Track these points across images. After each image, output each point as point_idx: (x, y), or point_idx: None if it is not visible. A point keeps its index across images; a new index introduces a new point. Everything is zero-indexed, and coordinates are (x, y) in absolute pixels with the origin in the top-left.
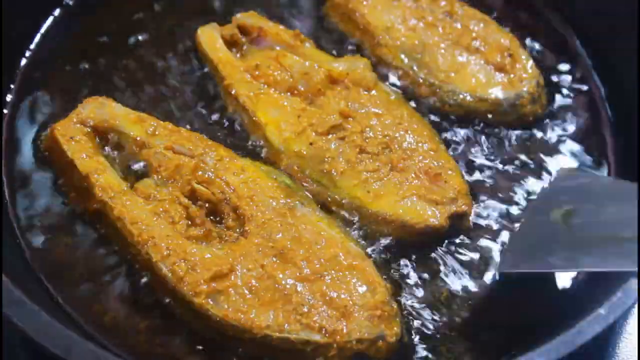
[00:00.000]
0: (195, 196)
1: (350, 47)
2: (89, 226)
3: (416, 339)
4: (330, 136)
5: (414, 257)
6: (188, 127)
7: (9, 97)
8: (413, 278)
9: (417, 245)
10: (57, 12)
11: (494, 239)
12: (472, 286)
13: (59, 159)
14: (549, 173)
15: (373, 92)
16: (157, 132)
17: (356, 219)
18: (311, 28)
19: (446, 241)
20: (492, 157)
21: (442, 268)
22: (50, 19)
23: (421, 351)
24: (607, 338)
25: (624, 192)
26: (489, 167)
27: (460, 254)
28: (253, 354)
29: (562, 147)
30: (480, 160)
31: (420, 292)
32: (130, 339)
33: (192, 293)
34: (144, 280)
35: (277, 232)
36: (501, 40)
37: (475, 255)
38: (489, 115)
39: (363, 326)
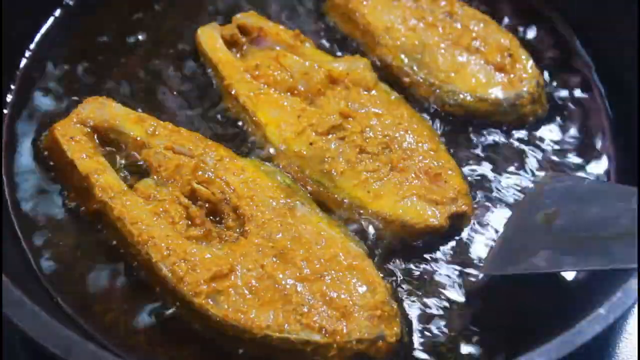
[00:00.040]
0: (195, 196)
1: (350, 47)
2: (89, 226)
3: (416, 339)
4: (330, 136)
5: (414, 257)
6: (188, 127)
7: (9, 97)
8: (413, 278)
9: (417, 245)
10: (57, 12)
11: (494, 239)
12: (472, 286)
13: (59, 159)
14: (549, 173)
15: (373, 92)
16: (157, 132)
17: (356, 219)
18: (311, 28)
19: (446, 241)
20: (492, 157)
21: (442, 268)
22: (50, 19)
23: (421, 351)
24: (607, 338)
25: (604, 193)
26: (489, 167)
27: (460, 254)
28: (253, 354)
29: (562, 147)
30: (480, 160)
31: (420, 292)
32: (130, 339)
33: (192, 293)
34: (144, 280)
35: (277, 232)
36: (501, 40)
37: (476, 256)
38: (489, 115)
39: (363, 326)
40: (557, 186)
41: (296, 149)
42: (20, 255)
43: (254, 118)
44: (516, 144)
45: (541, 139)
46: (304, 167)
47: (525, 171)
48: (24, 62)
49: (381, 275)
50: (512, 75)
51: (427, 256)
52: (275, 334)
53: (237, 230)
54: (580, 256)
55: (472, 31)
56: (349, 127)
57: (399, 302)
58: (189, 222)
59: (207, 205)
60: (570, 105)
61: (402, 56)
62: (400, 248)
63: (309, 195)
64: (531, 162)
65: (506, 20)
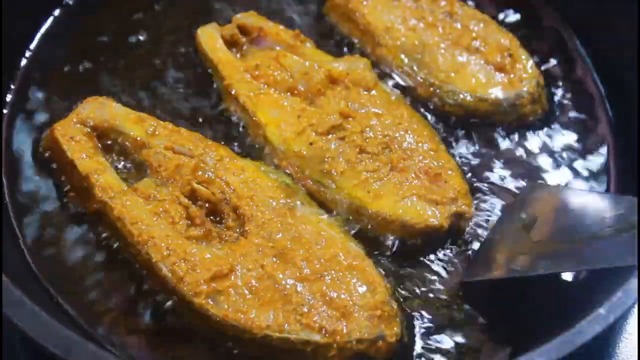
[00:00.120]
0: (195, 196)
1: (350, 47)
2: (89, 226)
3: (416, 339)
4: (330, 136)
5: (414, 257)
6: (188, 127)
7: (9, 97)
8: (413, 278)
9: (417, 245)
10: (57, 12)
11: None
12: (472, 286)
13: (59, 159)
14: (550, 173)
15: (373, 92)
16: (157, 132)
17: (356, 219)
18: (311, 28)
19: (446, 241)
20: (492, 157)
21: (442, 268)
22: (50, 19)
23: (421, 351)
24: (607, 338)
25: (580, 201)
26: (489, 167)
27: (460, 254)
28: (253, 354)
29: (562, 147)
30: (480, 160)
31: (420, 292)
32: (130, 339)
33: (192, 293)
34: (144, 280)
35: (277, 232)
36: (501, 40)
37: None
38: (489, 115)
39: (363, 326)
40: (537, 196)
41: (296, 149)
42: (20, 255)
43: (254, 118)
44: (516, 144)
45: (541, 139)
46: (304, 167)
47: (525, 171)
48: (24, 62)
49: (381, 275)
50: (512, 75)
51: (427, 256)
52: (275, 334)
53: (237, 230)
54: (554, 259)
55: (472, 31)
56: (349, 127)
57: (399, 302)
58: (189, 222)
59: (207, 205)
60: (570, 105)
61: (402, 56)
62: (401, 248)
63: (309, 195)
64: (531, 162)
65: (506, 20)
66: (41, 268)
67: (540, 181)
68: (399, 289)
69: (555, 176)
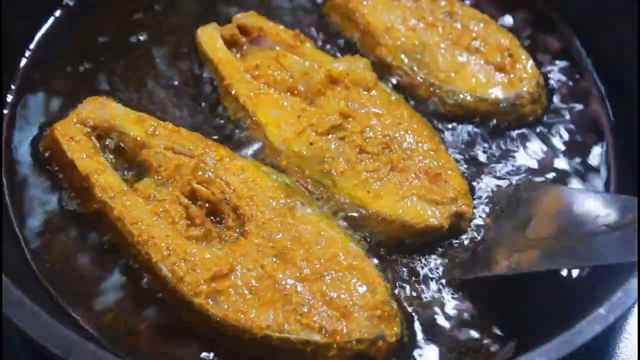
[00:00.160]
0: (195, 196)
1: (350, 47)
2: (89, 226)
3: (416, 339)
4: (330, 136)
5: (413, 257)
6: (188, 127)
7: (9, 97)
8: (413, 278)
9: (417, 245)
10: (57, 12)
11: None
12: (472, 286)
13: (59, 159)
14: (550, 173)
15: (373, 92)
16: (157, 132)
17: (356, 219)
18: (311, 28)
19: (446, 241)
20: (492, 157)
21: (442, 268)
22: (50, 19)
23: (421, 351)
24: (607, 338)
25: (576, 200)
26: (489, 167)
27: (460, 254)
28: (253, 354)
29: (562, 147)
30: (480, 160)
31: (420, 292)
32: (130, 339)
33: (192, 293)
34: (144, 280)
35: (277, 232)
36: (501, 40)
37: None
38: (489, 115)
39: (363, 326)
40: (533, 194)
41: (296, 149)
42: (20, 255)
43: (254, 118)
44: (516, 144)
45: (541, 139)
46: (304, 167)
47: (526, 171)
48: (24, 62)
49: (381, 275)
50: (512, 75)
51: (427, 256)
52: (275, 334)
53: (237, 230)
54: (550, 257)
55: (472, 31)
56: (349, 127)
57: (399, 302)
58: (189, 222)
59: (207, 205)
60: (570, 105)
61: (402, 56)
62: (400, 248)
63: (308, 195)
64: (531, 163)
65: (506, 20)
66: (41, 268)
67: (538, 179)
68: (399, 289)
69: (555, 176)
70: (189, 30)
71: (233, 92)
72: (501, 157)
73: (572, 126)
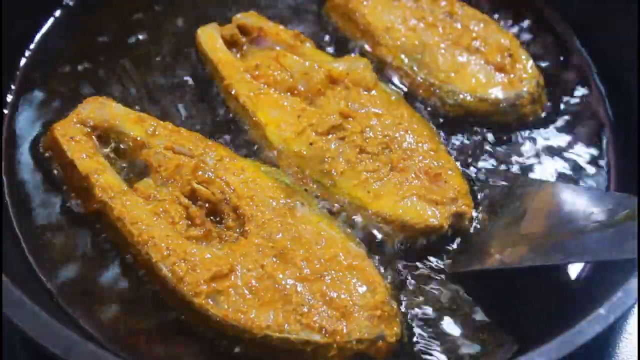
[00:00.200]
0: (195, 196)
1: (350, 47)
2: (89, 226)
3: (416, 339)
4: (330, 136)
5: (413, 257)
6: (188, 127)
7: (9, 97)
8: (413, 278)
9: (417, 245)
10: (57, 12)
11: None
12: (472, 286)
13: (58, 159)
14: (550, 173)
15: (373, 92)
16: (157, 132)
17: (356, 219)
18: (311, 28)
19: (446, 241)
20: (492, 157)
21: (442, 268)
22: (50, 19)
23: (421, 352)
24: (607, 338)
25: (570, 197)
26: (489, 168)
27: (465, 258)
28: (253, 354)
29: (562, 147)
30: (480, 160)
31: (420, 292)
32: (130, 339)
33: (192, 293)
34: (144, 280)
35: (277, 232)
36: (501, 40)
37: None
38: (489, 115)
39: (363, 326)
40: (527, 189)
41: (296, 149)
42: (20, 255)
43: (254, 118)
44: (516, 144)
45: (541, 139)
46: (304, 167)
47: (526, 171)
48: (23, 62)
49: (381, 275)
50: (512, 76)
51: (426, 256)
52: (275, 334)
53: (237, 230)
54: (540, 253)
55: (472, 31)
56: (349, 127)
57: (399, 302)
58: (189, 222)
59: (207, 205)
60: (570, 105)
61: (402, 56)
62: (400, 248)
63: (309, 195)
64: (531, 163)
65: (506, 20)
66: (41, 268)
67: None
68: (399, 289)
69: (555, 176)
70: (189, 30)
71: (233, 92)
72: (501, 157)
73: (571, 126)
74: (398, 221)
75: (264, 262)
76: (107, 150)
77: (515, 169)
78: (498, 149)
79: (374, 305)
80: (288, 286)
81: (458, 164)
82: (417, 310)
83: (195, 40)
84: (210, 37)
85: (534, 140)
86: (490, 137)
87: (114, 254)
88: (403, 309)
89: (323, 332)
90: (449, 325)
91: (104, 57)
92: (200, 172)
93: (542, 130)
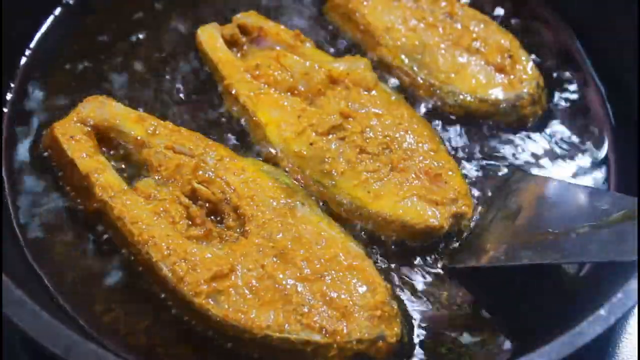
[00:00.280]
0: (195, 196)
1: (350, 47)
2: (89, 226)
3: (416, 339)
4: (330, 136)
5: (414, 257)
6: (188, 126)
7: (9, 96)
8: (413, 278)
9: (417, 245)
10: (57, 11)
11: None
12: (472, 287)
13: (59, 158)
14: (550, 173)
15: (373, 92)
16: (157, 132)
17: (356, 219)
18: (311, 28)
19: (446, 241)
20: (493, 158)
21: (442, 268)
22: (50, 19)
23: (421, 352)
24: (607, 338)
25: (566, 194)
26: (490, 168)
27: (460, 254)
28: (253, 354)
29: (562, 148)
30: (480, 160)
31: (420, 293)
32: (130, 339)
33: (193, 293)
34: (144, 280)
35: (277, 232)
36: (501, 41)
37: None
38: (489, 116)
39: (363, 326)
40: (522, 186)
41: (296, 149)
42: (20, 255)
43: (254, 118)
44: (516, 145)
45: (541, 140)
46: (304, 167)
47: (526, 172)
48: (24, 61)
49: (381, 275)
50: (512, 76)
51: (427, 256)
52: (276, 334)
53: (238, 230)
54: (537, 251)
55: (472, 32)
56: (349, 128)
57: (399, 302)
58: (190, 222)
59: (207, 205)
60: (570, 106)
61: (403, 56)
62: (401, 248)
63: (309, 195)
64: (531, 163)
65: (505, 20)
66: (41, 268)
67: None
68: (399, 289)
69: (555, 176)
70: (189, 30)
71: (233, 92)
72: (501, 157)
73: (572, 127)
74: (398, 221)
75: (265, 262)
76: (107, 149)
77: (514, 169)
78: (498, 149)
79: (374, 306)
80: (288, 286)
81: (458, 164)
82: (417, 310)
83: (196, 39)
84: (210, 36)
85: (534, 140)
86: (490, 137)
87: (114, 254)
88: (403, 309)
89: (323, 332)
90: (449, 326)
91: (104, 56)
92: (200, 172)
93: (542, 131)
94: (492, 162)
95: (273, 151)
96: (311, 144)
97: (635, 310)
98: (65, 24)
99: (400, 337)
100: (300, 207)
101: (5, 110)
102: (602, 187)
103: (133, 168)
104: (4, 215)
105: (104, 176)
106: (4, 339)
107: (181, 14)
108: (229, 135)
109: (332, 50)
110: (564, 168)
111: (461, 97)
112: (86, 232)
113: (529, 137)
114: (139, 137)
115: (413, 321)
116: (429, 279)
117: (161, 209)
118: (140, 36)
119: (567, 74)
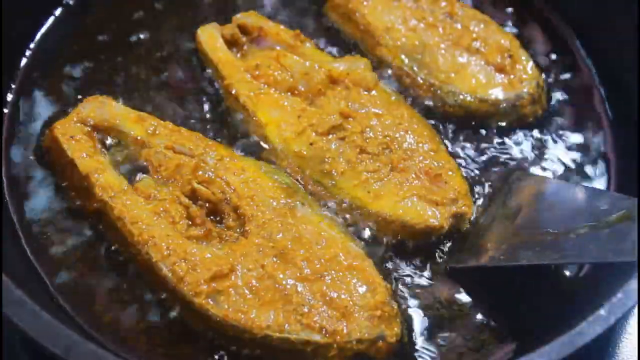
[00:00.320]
0: (195, 196)
1: (350, 47)
2: (89, 226)
3: (416, 339)
4: (330, 136)
5: (414, 257)
6: (188, 126)
7: (9, 97)
8: (413, 278)
9: (417, 245)
10: (57, 11)
11: None
12: (472, 287)
13: (59, 158)
14: (550, 173)
15: (373, 92)
16: (157, 132)
17: (356, 219)
18: (311, 28)
19: (446, 241)
20: (493, 158)
21: (442, 268)
22: (50, 19)
23: (421, 352)
24: (607, 338)
25: (565, 193)
26: (489, 168)
27: (461, 254)
28: (253, 354)
29: (562, 148)
30: (480, 160)
31: (420, 293)
32: (130, 339)
33: (193, 293)
34: (144, 280)
35: (277, 232)
36: (501, 41)
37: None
38: (489, 115)
39: (363, 326)
40: (522, 186)
41: (296, 149)
42: (20, 255)
43: (254, 118)
44: (516, 145)
45: (541, 140)
46: (304, 167)
47: (525, 172)
48: (24, 61)
49: (381, 275)
50: (512, 76)
51: (427, 257)
52: (276, 334)
53: (238, 230)
54: (536, 251)
55: (472, 32)
56: (349, 128)
57: (399, 302)
58: (190, 222)
59: (207, 205)
60: (570, 106)
61: (403, 56)
62: (401, 248)
63: (309, 195)
64: (531, 163)
65: (506, 20)
66: (41, 268)
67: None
68: (399, 289)
69: (555, 177)
70: (189, 30)
71: (233, 92)
72: (501, 157)
73: (572, 127)
74: (398, 221)
75: (265, 262)
76: (107, 149)
77: (515, 169)
78: (498, 149)
79: (374, 306)
80: (288, 286)
81: (458, 164)
82: (417, 310)
83: (196, 39)
84: (210, 36)
85: (534, 140)
86: (490, 137)
87: (114, 254)
88: (403, 309)
89: (323, 332)
90: (449, 326)
91: (105, 56)
92: (200, 172)
93: (542, 131)
94: (492, 162)
95: (273, 151)
96: (311, 144)
97: (635, 310)
98: (65, 24)
99: (400, 337)
100: (300, 207)
101: (5, 110)
102: (601, 188)
103: (133, 168)
104: (4, 215)
105: (104, 176)
106: (4, 339)
107: (181, 13)
108: (229, 135)
109: (332, 50)
110: (564, 168)
111: (461, 97)
112: (86, 232)
113: (529, 137)
114: (139, 137)
115: (413, 321)
116: (429, 279)
117: (161, 209)
118: (141, 36)
119: (567, 74)
